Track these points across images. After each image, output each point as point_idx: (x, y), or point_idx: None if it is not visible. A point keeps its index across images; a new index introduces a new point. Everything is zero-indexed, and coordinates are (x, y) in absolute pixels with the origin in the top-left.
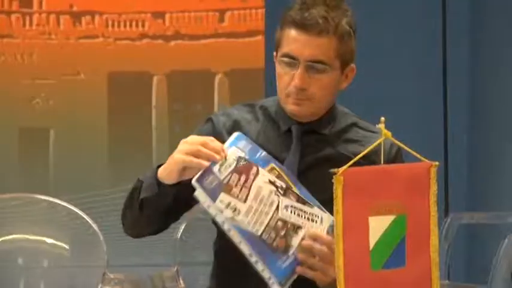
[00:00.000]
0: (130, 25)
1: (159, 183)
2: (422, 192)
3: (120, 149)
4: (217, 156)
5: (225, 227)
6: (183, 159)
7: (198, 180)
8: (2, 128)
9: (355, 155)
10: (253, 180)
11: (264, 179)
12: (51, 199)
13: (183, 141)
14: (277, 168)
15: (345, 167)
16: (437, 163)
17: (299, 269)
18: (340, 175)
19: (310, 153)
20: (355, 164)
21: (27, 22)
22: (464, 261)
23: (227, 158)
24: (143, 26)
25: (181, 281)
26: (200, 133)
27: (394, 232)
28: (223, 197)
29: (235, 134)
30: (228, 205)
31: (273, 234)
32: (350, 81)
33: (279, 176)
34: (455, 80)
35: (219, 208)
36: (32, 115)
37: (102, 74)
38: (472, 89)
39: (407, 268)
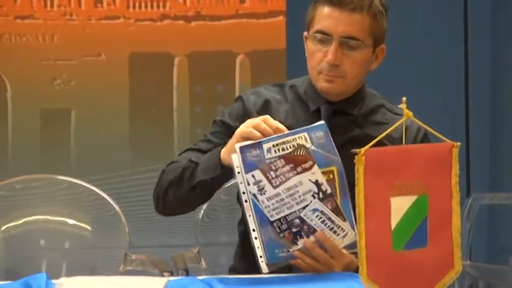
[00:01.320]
0: (152, 6)
1: (222, 166)
2: (444, 173)
3: (141, 130)
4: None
5: (244, 196)
6: (243, 130)
7: (242, 148)
8: (24, 109)
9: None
10: (298, 173)
11: (312, 177)
12: (72, 180)
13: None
14: (335, 173)
15: (366, 147)
16: (459, 143)
17: (293, 262)
18: (362, 155)
19: (339, 134)
20: (379, 146)
21: (49, 3)
22: (485, 242)
23: (288, 141)
24: (164, 6)
25: (203, 262)
26: (231, 111)
27: (415, 212)
28: (257, 173)
29: (320, 123)
30: (258, 183)
31: (284, 226)
32: (380, 62)
33: (330, 180)
34: (476, 61)
35: (247, 179)
36: (53, 96)
37: (123, 54)
38: (494, 69)
39: (429, 249)
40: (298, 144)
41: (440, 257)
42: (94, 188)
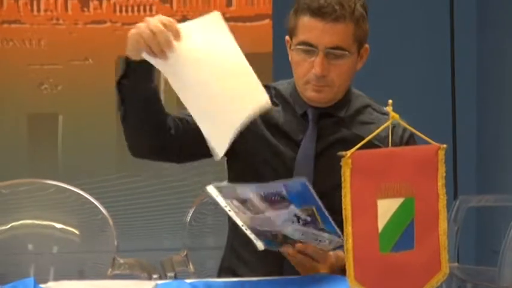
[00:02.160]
0: (138, 10)
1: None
2: (431, 175)
3: None
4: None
5: (227, 209)
6: (131, 34)
7: (218, 187)
8: (11, 114)
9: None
10: (275, 209)
11: (290, 211)
12: (60, 184)
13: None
14: (315, 211)
15: (353, 149)
16: (445, 145)
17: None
18: (348, 158)
19: (326, 135)
20: (366, 147)
21: (35, 7)
22: (473, 244)
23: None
24: (151, 10)
25: (191, 266)
26: None
27: (402, 215)
28: (235, 202)
29: (300, 180)
30: (238, 206)
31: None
32: (364, 61)
33: (310, 214)
34: (463, 63)
35: (227, 202)
36: (41, 101)
37: (110, 59)
38: (480, 71)
39: (416, 251)
40: (275, 191)
41: (428, 260)
42: (81, 192)
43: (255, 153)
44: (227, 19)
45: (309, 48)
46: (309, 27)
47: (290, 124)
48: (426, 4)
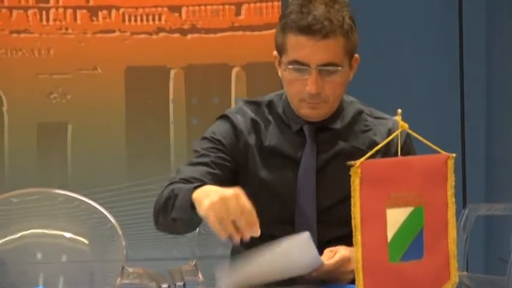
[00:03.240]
0: (147, 19)
1: (193, 206)
2: (440, 184)
3: (138, 143)
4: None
5: None
6: (213, 221)
7: None
8: (21, 123)
9: (368, 146)
10: None
11: None
12: (69, 193)
13: (222, 196)
14: None
15: (362, 159)
16: (454, 155)
17: None
18: (358, 167)
19: (325, 150)
20: (370, 156)
21: (44, 17)
22: (482, 253)
23: None
24: (160, 20)
25: (200, 275)
26: (218, 131)
27: (411, 224)
28: None
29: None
30: None
31: None
32: (355, 71)
33: None
34: (472, 72)
35: None
36: (50, 110)
37: (119, 68)
38: (490, 80)
39: (426, 260)
40: None
41: (437, 269)
42: (91, 202)
43: (255, 180)
44: (236, 28)
45: (301, 67)
46: (299, 46)
47: (286, 142)
48: (435, 7)
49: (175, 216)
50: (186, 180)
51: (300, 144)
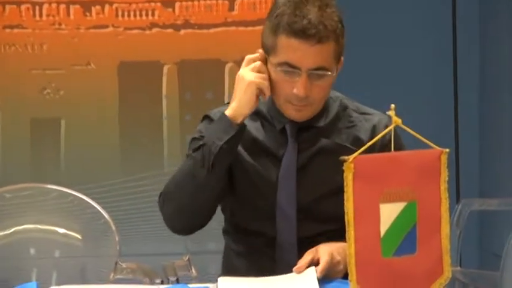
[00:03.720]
0: (140, 14)
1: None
2: (433, 179)
3: (131, 138)
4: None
5: None
6: (256, 82)
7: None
8: (14, 119)
9: (352, 142)
10: None
11: None
12: (62, 189)
13: (242, 70)
14: None
15: (355, 154)
16: (447, 150)
17: None
18: (351, 162)
19: (307, 148)
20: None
21: (37, 12)
22: (475, 248)
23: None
24: (153, 15)
25: (193, 270)
26: (204, 128)
27: (405, 219)
28: None
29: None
30: None
31: None
32: (338, 72)
33: None
34: (466, 67)
35: None
36: (43, 105)
37: (112, 63)
38: (483, 74)
39: (419, 255)
40: None
41: (430, 264)
42: (84, 197)
43: (241, 178)
44: (229, 24)
45: (292, 69)
46: (291, 48)
47: (270, 140)
48: (428, 4)
49: (219, 144)
50: None
51: (283, 143)
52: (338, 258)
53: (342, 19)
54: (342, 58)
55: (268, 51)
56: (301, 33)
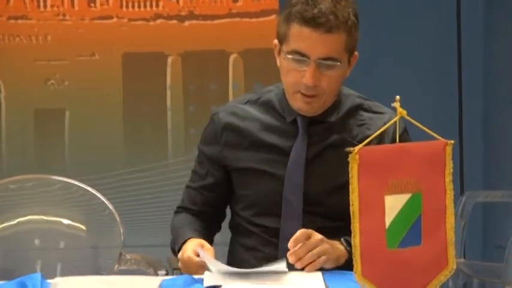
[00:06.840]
0: (145, 5)
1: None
2: (438, 171)
3: (135, 129)
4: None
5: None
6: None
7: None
8: (18, 109)
9: (360, 140)
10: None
11: None
12: (66, 180)
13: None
14: None
15: (360, 145)
16: (452, 141)
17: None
18: (356, 154)
19: (316, 142)
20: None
21: (42, 3)
22: (480, 240)
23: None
24: (157, 6)
25: None
26: (206, 136)
27: (410, 211)
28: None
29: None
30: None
31: None
32: (352, 68)
33: None
34: (470, 60)
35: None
36: (47, 96)
37: (116, 54)
38: (488, 66)
39: (423, 247)
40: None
41: (435, 255)
42: (88, 188)
43: (246, 169)
44: (233, 15)
45: (301, 58)
46: (301, 37)
47: (278, 132)
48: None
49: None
50: (187, 209)
51: (292, 135)
52: (320, 236)
53: (358, 14)
54: (356, 53)
55: (282, 40)
56: (311, 22)
